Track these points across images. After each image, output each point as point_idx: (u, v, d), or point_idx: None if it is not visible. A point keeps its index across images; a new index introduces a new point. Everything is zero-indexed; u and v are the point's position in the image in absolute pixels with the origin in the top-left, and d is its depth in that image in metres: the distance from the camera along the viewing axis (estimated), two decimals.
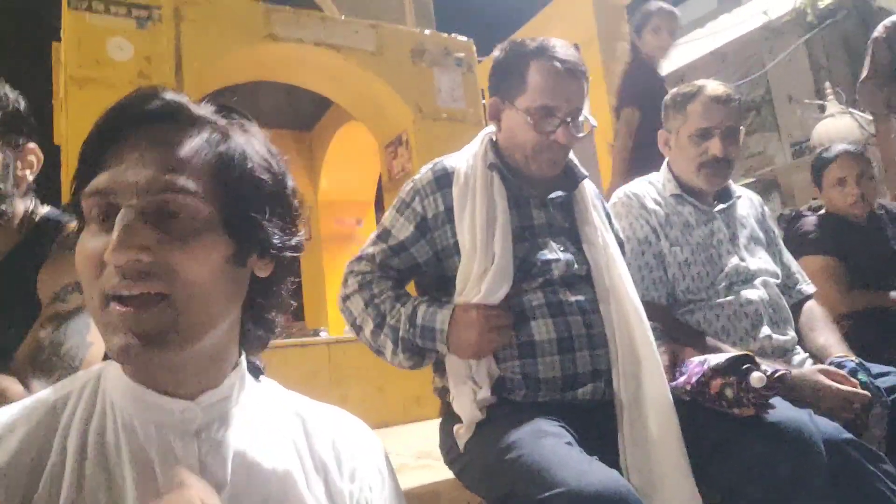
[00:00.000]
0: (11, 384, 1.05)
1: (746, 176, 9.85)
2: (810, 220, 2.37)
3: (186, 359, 0.65)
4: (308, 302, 5.77)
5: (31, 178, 1.28)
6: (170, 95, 0.65)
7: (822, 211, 2.41)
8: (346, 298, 1.40)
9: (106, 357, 0.69)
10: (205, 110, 0.67)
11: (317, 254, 5.71)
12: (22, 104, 1.28)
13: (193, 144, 0.63)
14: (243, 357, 0.74)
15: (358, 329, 1.39)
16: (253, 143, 0.68)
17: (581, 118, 1.39)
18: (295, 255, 0.72)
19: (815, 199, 2.89)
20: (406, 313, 1.30)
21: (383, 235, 1.42)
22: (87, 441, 0.63)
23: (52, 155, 1.27)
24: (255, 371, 0.77)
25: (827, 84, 8.59)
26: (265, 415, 0.74)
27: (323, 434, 0.76)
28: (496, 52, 1.47)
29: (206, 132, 0.65)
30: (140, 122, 0.63)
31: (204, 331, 0.64)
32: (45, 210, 1.31)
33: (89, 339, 1.15)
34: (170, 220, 0.61)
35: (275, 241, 0.68)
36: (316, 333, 3.99)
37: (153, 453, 0.64)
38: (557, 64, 1.35)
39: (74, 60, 2.95)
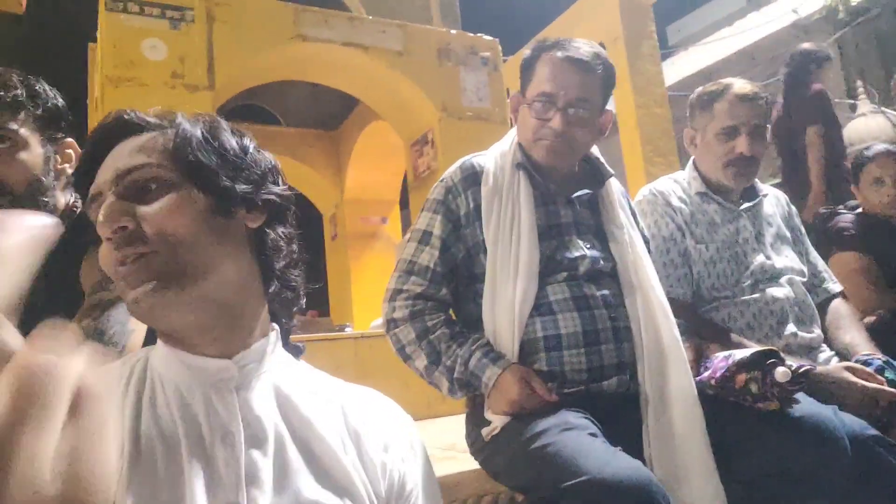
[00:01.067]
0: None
1: (775, 176, 9.73)
2: (847, 218, 2.36)
3: (201, 306, 0.71)
4: (333, 298, 5.83)
5: (69, 171, 1.34)
6: (127, 115, 0.76)
7: (859, 209, 2.39)
8: (394, 323, 1.38)
9: (146, 343, 0.76)
10: (158, 116, 0.77)
11: (342, 251, 5.76)
12: (60, 101, 1.33)
13: (148, 137, 0.74)
14: (276, 329, 0.80)
15: (407, 357, 1.38)
16: (204, 125, 0.77)
17: (584, 109, 1.38)
18: (277, 201, 0.79)
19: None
20: (462, 358, 1.31)
21: (425, 238, 1.41)
22: (141, 406, 0.69)
23: None
24: (296, 351, 0.83)
25: (859, 83, 8.44)
26: (303, 384, 0.78)
27: (358, 409, 0.80)
28: (524, 51, 1.50)
29: (158, 129, 0.76)
30: (107, 140, 0.75)
31: (201, 270, 0.71)
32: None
33: (131, 326, 1.20)
34: (144, 194, 0.71)
35: (245, 188, 0.75)
36: (341, 329, 4.04)
37: (198, 410, 0.70)
38: (560, 54, 1.38)
39: (110, 61, 3.03)
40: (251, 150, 0.79)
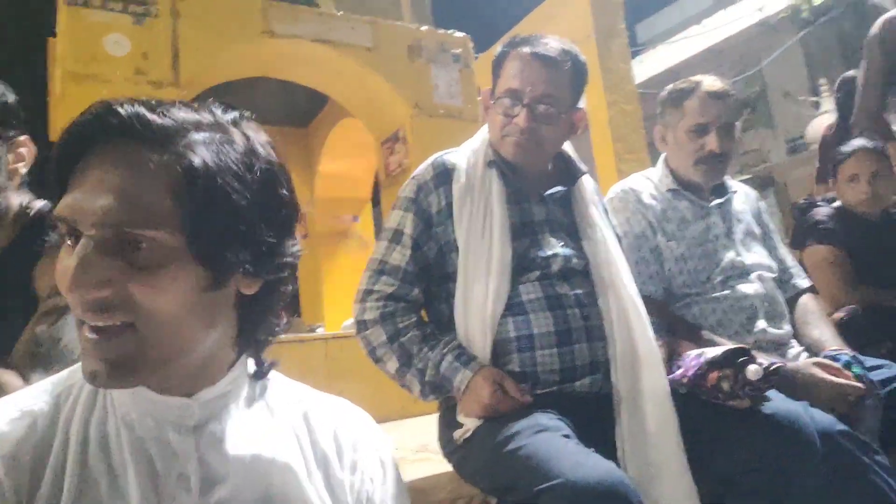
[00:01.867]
0: (12, 378, 1.06)
1: (742, 173, 9.88)
2: (823, 210, 2.37)
3: (167, 375, 0.63)
4: (305, 298, 5.77)
5: (23, 171, 1.28)
6: (127, 109, 0.59)
7: (837, 203, 2.39)
8: (364, 325, 1.36)
9: None
10: (171, 118, 0.60)
11: (313, 250, 5.69)
12: (10, 97, 1.27)
13: (153, 165, 0.58)
14: (243, 358, 0.72)
15: (377, 360, 1.36)
16: (224, 152, 0.61)
17: (550, 105, 1.36)
18: (284, 271, 0.67)
19: (809, 195, 2.89)
20: (433, 361, 1.29)
21: (396, 237, 1.39)
22: (89, 432, 0.64)
23: (47, 150, 1.27)
24: (260, 374, 0.74)
25: (822, 80, 8.62)
26: (267, 409, 0.74)
27: (325, 425, 0.76)
28: (496, 48, 1.48)
29: (168, 147, 0.59)
30: (98, 139, 0.59)
31: (174, 357, 0.62)
32: (39, 204, 1.30)
33: None
34: (132, 251, 0.58)
35: (249, 262, 0.62)
36: (312, 330, 4.00)
37: (151, 447, 0.64)
38: (527, 50, 1.37)
39: (70, 56, 2.94)
40: (274, 193, 0.64)
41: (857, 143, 2.33)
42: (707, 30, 10.47)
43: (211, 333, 0.64)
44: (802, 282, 1.83)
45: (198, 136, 0.60)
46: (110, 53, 2.94)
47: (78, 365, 0.71)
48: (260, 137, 0.66)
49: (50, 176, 0.62)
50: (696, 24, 11.08)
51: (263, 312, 0.69)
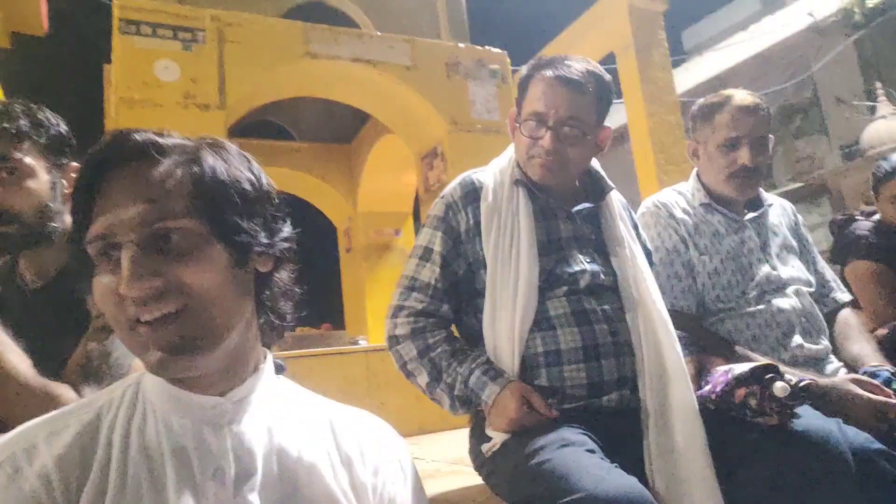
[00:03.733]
0: (66, 391, 1.13)
1: (794, 181, 9.61)
2: (864, 225, 2.30)
3: (214, 360, 0.71)
4: (349, 311, 5.87)
5: None
6: (139, 135, 0.69)
7: (877, 216, 2.33)
8: (395, 340, 1.40)
9: None
10: (173, 139, 0.72)
11: (357, 264, 5.80)
12: (63, 127, 1.38)
13: (169, 172, 0.69)
14: (269, 356, 0.80)
15: (409, 374, 1.40)
16: (223, 155, 0.74)
17: (574, 127, 1.38)
18: (288, 246, 0.78)
19: (867, 203, 2.79)
20: (462, 376, 1.32)
21: (426, 255, 1.42)
22: (130, 436, 0.70)
23: None
24: (278, 368, 0.83)
25: (878, 84, 8.33)
26: (293, 410, 0.79)
27: (349, 432, 0.81)
28: (522, 69, 1.51)
29: (178, 158, 0.70)
30: (117, 164, 0.69)
31: (226, 331, 0.70)
32: None
33: None
34: (167, 244, 0.67)
35: (264, 239, 0.73)
36: (355, 342, 4.07)
37: (189, 445, 0.70)
38: (551, 73, 1.39)
39: (124, 82, 3.10)
40: (265, 183, 0.77)
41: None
42: (755, 35, 10.26)
43: (245, 308, 0.73)
44: (842, 296, 1.79)
45: (197, 146, 0.73)
46: (161, 79, 3.10)
47: (119, 381, 0.78)
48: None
49: (76, 205, 0.70)
50: (742, 31, 10.88)
51: (278, 291, 0.79)
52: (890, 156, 2.33)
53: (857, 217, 2.40)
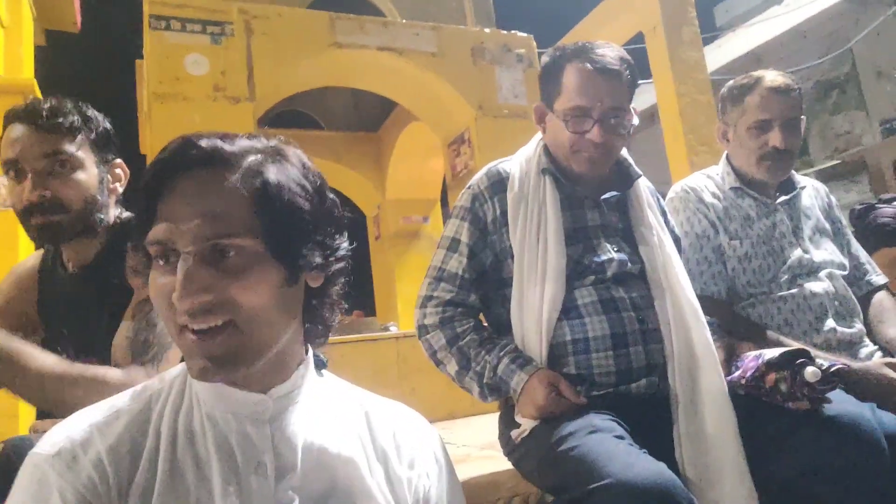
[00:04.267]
0: (108, 371, 1.16)
1: (832, 158, 9.34)
2: (887, 212, 2.26)
3: (258, 368, 0.73)
4: (379, 298, 5.92)
5: (120, 190, 1.44)
6: (204, 142, 0.70)
7: None
8: (425, 329, 1.42)
9: None
10: (238, 145, 0.72)
11: (386, 251, 5.84)
12: (108, 125, 1.44)
13: (232, 186, 0.69)
14: (310, 353, 0.82)
15: (438, 363, 1.42)
16: (286, 169, 0.73)
17: (618, 117, 1.38)
18: (342, 264, 0.78)
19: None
20: (491, 364, 1.34)
21: (453, 246, 1.44)
22: (177, 428, 0.73)
23: (139, 163, 1.43)
24: (320, 364, 0.85)
25: None
26: (331, 406, 0.82)
27: (384, 426, 0.83)
28: (543, 58, 1.50)
29: (242, 171, 0.70)
30: (182, 171, 0.70)
31: (269, 347, 0.72)
32: (127, 215, 1.46)
33: None
34: (223, 259, 0.68)
35: (318, 259, 0.74)
36: (386, 328, 4.11)
37: (232, 439, 0.73)
38: (588, 65, 1.37)
39: (155, 77, 3.16)
40: (327, 198, 0.77)
41: None
42: (791, 9, 9.95)
43: (292, 324, 0.75)
44: (878, 278, 1.76)
45: (262, 158, 0.72)
46: (191, 73, 3.15)
47: (167, 371, 0.81)
48: (304, 154, 0.78)
49: (140, 205, 0.72)
50: (777, 4, 10.56)
51: (326, 303, 0.80)
52: None
53: (877, 205, 2.35)
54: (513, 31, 4.06)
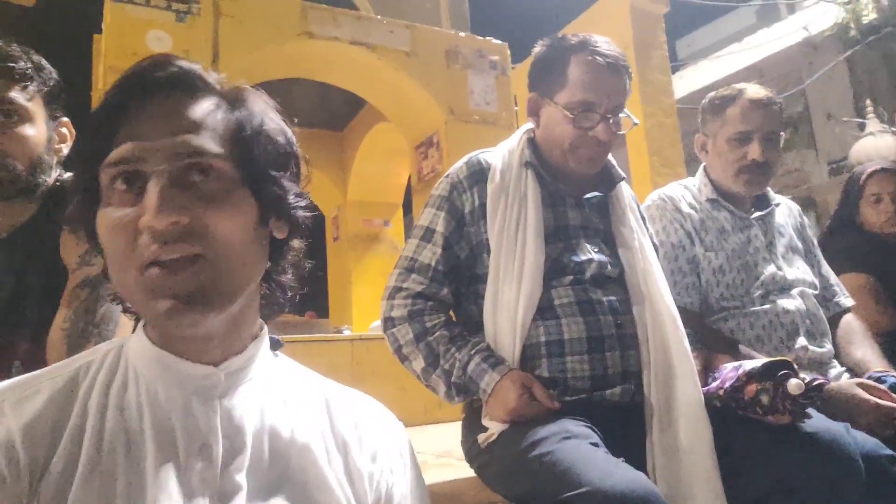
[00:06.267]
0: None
1: (781, 193, 9.68)
2: (849, 237, 2.29)
3: (220, 321, 0.64)
4: (333, 301, 5.79)
5: (65, 151, 1.31)
6: (184, 63, 0.66)
7: (859, 227, 2.32)
8: (391, 322, 1.33)
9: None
10: (215, 76, 0.69)
11: (343, 253, 5.73)
12: (57, 77, 1.30)
13: (212, 109, 0.65)
14: (265, 329, 0.74)
15: (403, 358, 1.33)
16: (265, 101, 0.71)
17: (621, 115, 1.36)
18: (308, 215, 0.73)
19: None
20: (461, 362, 1.26)
21: (427, 236, 1.36)
22: (107, 403, 0.63)
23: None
24: (275, 344, 0.77)
25: (868, 101, 8.40)
26: (287, 389, 0.73)
27: (346, 414, 0.75)
28: (537, 48, 1.44)
29: (222, 94, 0.67)
30: (156, 89, 0.64)
31: (240, 289, 0.65)
32: (67, 176, 1.32)
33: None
34: (199, 183, 0.62)
35: (291, 200, 0.69)
36: (339, 331, 4.00)
37: (174, 417, 0.64)
38: (599, 58, 1.32)
39: (113, 51, 3.00)
40: (294, 141, 0.73)
41: (876, 164, 2.27)
42: (749, 47, 10.30)
43: (259, 272, 0.69)
44: (846, 300, 1.76)
45: (239, 88, 0.69)
46: (152, 49, 3.00)
47: (100, 345, 0.71)
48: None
49: (98, 126, 0.63)
50: (737, 42, 10.93)
51: (286, 266, 0.74)
52: (866, 164, 2.34)
53: (839, 230, 2.38)
54: (488, 38, 4.03)
